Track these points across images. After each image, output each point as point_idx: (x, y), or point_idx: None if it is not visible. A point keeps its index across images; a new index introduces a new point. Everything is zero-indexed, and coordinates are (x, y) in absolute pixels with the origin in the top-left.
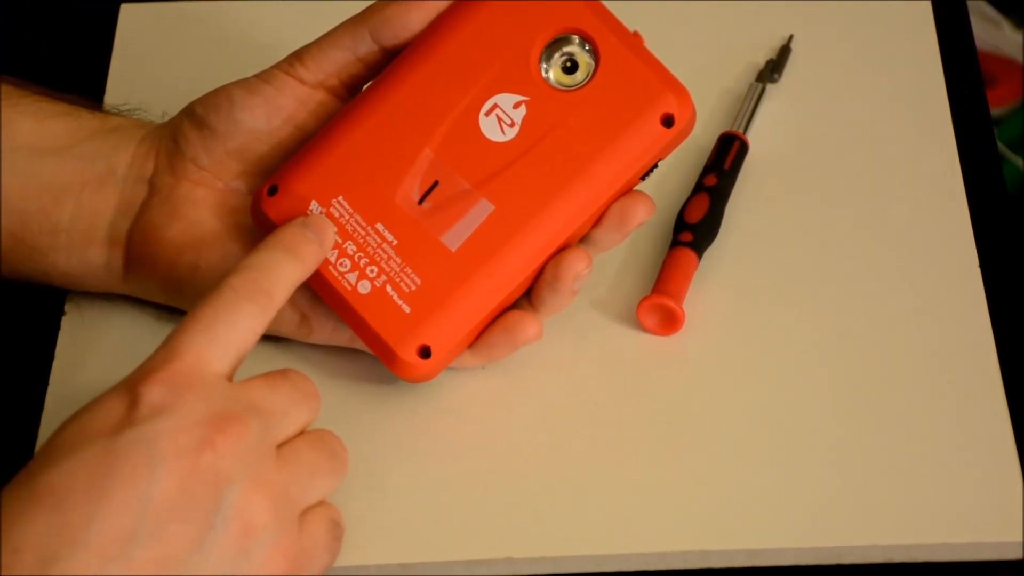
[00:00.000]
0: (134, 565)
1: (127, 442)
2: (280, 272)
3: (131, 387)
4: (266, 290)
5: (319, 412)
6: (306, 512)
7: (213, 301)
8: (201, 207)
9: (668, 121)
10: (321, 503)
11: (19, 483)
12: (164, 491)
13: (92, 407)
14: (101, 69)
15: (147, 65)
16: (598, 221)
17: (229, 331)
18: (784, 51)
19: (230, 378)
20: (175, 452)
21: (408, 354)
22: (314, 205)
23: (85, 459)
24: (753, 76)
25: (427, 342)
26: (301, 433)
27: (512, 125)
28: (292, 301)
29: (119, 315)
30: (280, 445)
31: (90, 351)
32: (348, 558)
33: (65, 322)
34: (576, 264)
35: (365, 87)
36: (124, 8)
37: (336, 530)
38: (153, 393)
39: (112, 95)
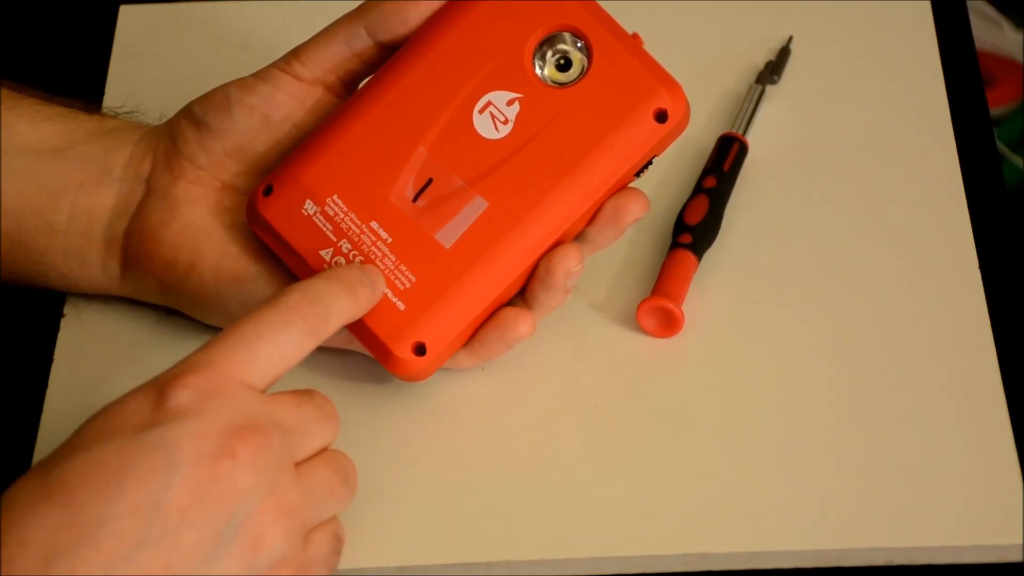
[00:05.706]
0: (139, 568)
1: (146, 443)
2: (337, 303)
3: (160, 387)
4: (322, 314)
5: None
6: (312, 528)
7: (264, 314)
8: (198, 206)
9: (661, 116)
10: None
11: (34, 475)
12: (178, 496)
13: (118, 403)
14: (100, 70)
15: (146, 66)
16: (593, 218)
17: (272, 347)
18: (783, 52)
19: (263, 391)
20: (194, 458)
21: (403, 351)
22: (309, 204)
23: (102, 456)
24: (752, 77)
25: (422, 339)
26: (319, 453)
27: (506, 122)
28: None
29: (117, 317)
30: (298, 464)
31: (89, 353)
32: (346, 562)
33: (64, 324)
34: (567, 260)
35: (362, 84)
36: (123, 9)
37: (337, 544)
38: (180, 396)
39: (111, 96)
